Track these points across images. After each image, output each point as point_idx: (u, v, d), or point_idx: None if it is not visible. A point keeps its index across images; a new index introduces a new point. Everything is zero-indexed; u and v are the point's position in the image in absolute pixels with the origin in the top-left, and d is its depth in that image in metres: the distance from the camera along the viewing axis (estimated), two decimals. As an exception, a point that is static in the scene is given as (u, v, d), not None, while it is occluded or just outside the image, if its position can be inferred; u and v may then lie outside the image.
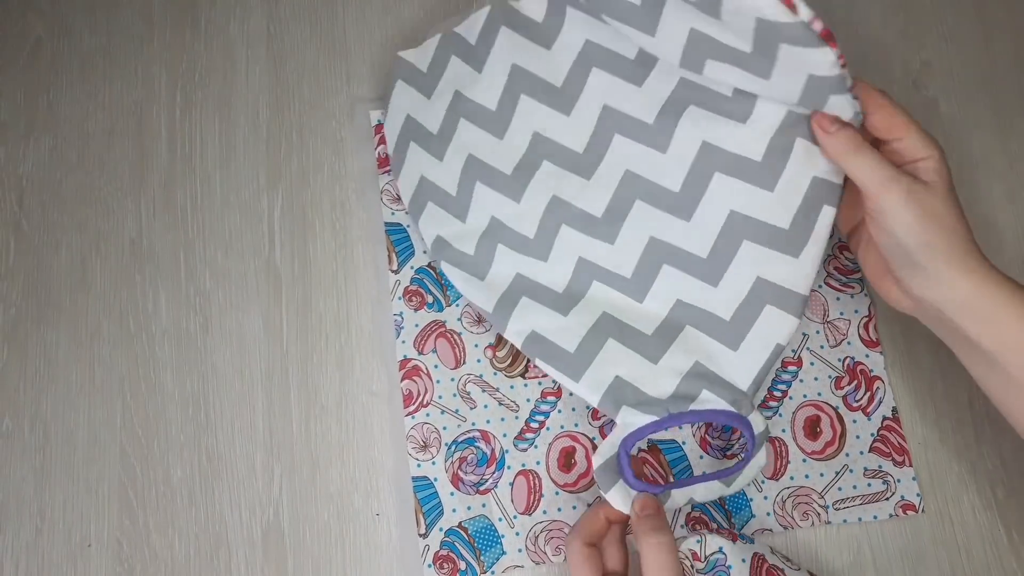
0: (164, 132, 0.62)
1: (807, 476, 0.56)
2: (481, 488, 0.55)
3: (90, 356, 0.58)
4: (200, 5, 0.65)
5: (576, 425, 0.56)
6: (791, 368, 0.57)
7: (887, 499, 0.55)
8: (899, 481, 0.55)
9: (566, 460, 0.56)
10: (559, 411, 0.56)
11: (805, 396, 0.57)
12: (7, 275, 0.59)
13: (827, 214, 0.50)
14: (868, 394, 0.57)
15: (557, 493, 0.55)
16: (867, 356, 0.58)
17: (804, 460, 0.56)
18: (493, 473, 0.55)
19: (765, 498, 0.55)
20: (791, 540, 0.55)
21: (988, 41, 0.65)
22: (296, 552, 0.55)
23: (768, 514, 0.55)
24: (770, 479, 0.55)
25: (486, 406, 0.57)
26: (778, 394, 0.57)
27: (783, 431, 0.56)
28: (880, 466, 0.56)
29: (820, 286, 0.59)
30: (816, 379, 0.57)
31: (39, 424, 0.57)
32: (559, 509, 0.55)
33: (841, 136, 0.48)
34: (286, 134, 0.63)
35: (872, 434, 0.56)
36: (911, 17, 0.66)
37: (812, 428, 0.56)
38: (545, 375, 0.56)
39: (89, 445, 0.57)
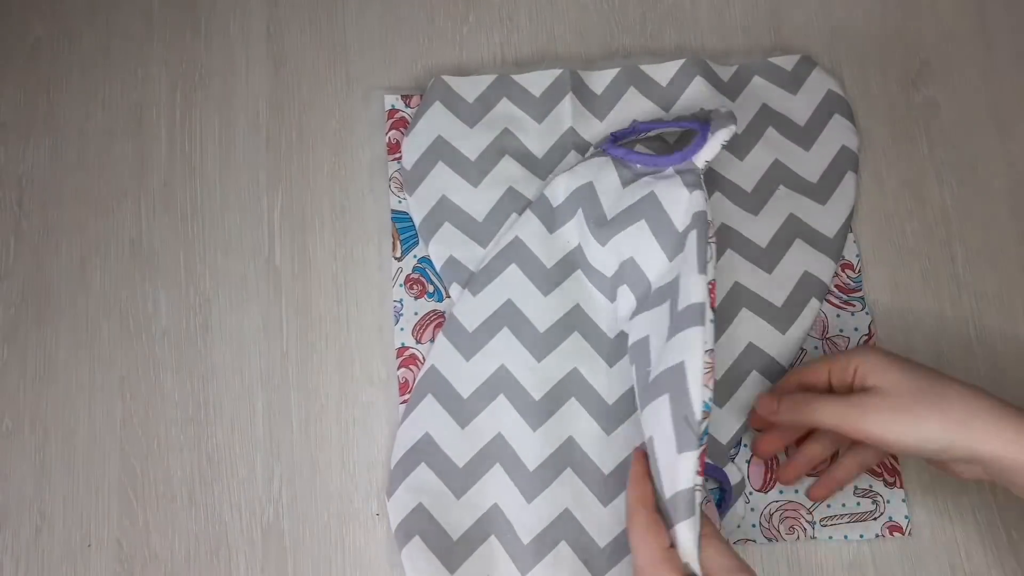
0: (164, 132, 0.62)
1: (796, 491, 0.55)
2: None
3: (90, 356, 0.58)
4: (200, 6, 0.65)
5: None
6: None
7: (875, 519, 0.55)
8: (888, 502, 0.55)
9: None
10: None
11: None
12: (7, 275, 0.59)
13: (813, 305, 0.58)
14: None
15: None
16: None
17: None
18: None
19: (752, 509, 0.55)
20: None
21: (987, 41, 0.65)
22: (296, 552, 0.55)
23: (753, 525, 0.55)
24: (758, 491, 0.56)
25: None
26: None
27: None
28: (871, 485, 0.56)
29: (821, 302, 0.59)
30: None
31: (39, 424, 0.57)
32: None
33: (786, 407, 0.51)
34: (286, 134, 0.63)
35: None
36: (911, 17, 0.66)
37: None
38: None
39: (89, 445, 0.57)
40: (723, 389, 0.56)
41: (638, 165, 0.57)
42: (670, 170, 0.55)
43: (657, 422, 0.48)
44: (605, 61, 0.64)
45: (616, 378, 0.56)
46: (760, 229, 0.59)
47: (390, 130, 0.62)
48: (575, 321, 0.57)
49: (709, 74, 0.62)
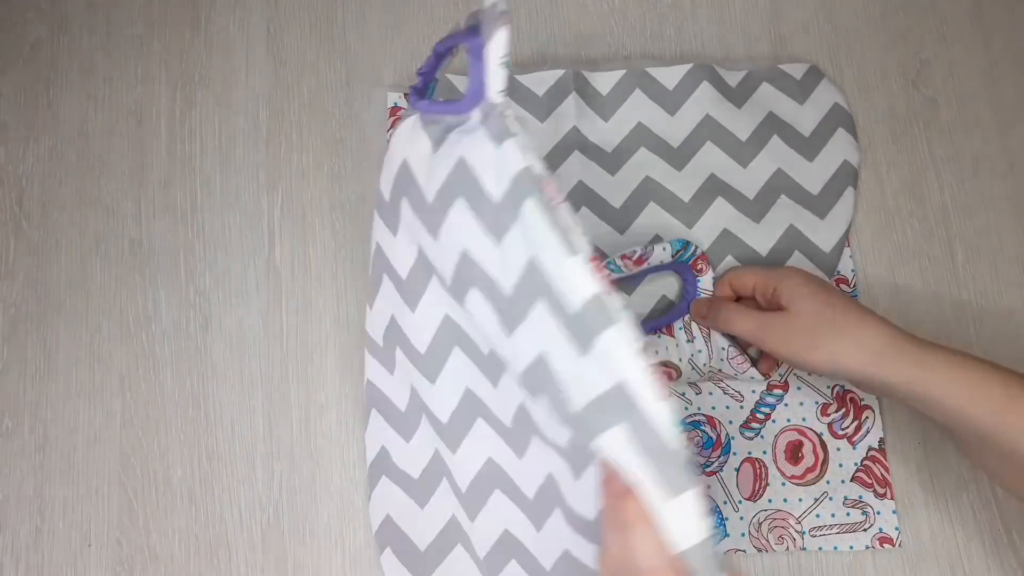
0: (164, 132, 0.62)
1: (785, 500, 0.56)
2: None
3: (90, 356, 0.58)
4: (200, 5, 0.65)
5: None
6: (776, 391, 0.57)
7: (865, 530, 0.55)
8: (879, 513, 0.55)
9: None
10: None
11: (789, 420, 0.57)
12: (7, 275, 0.59)
13: None
14: (856, 423, 0.57)
15: None
16: None
17: (783, 484, 0.56)
18: None
19: (741, 518, 0.55)
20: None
21: (987, 41, 0.65)
22: (296, 552, 0.55)
23: (743, 534, 0.55)
24: (747, 499, 0.56)
25: None
26: (761, 416, 0.57)
27: (764, 453, 0.56)
28: (861, 496, 0.56)
29: None
30: (801, 404, 0.57)
31: (39, 424, 0.57)
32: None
33: (711, 314, 0.55)
34: (286, 134, 0.63)
35: (856, 463, 0.56)
36: (911, 17, 0.66)
37: (794, 453, 0.56)
38: None
39: (89, 445, 0.57)
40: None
41: (447, 117, 0.41)
42: (475, 120, 0.39)
43: (617, 452, 0.37)
44: (608, 63, 0.64)
45: (503, 398, 0.46)
46: (761, 237, 0.59)
47: (392, 127, 0.62)
48: (451, 335, 0.47)
49: (716, 80, 0.62)
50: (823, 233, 0.60)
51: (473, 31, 0.38)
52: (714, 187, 0.60)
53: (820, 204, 0.60)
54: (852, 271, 0.60)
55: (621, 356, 0.35)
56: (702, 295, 0.56)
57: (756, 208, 0.60)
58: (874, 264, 0.61)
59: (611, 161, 0.61)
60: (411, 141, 0.42)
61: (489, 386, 0.47)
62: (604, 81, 0.63)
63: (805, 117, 0.62)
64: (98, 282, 0.60)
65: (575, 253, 0.36)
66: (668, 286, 0.59)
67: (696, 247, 0.56)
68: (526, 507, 0.49)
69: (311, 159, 0.62)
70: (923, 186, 0.62)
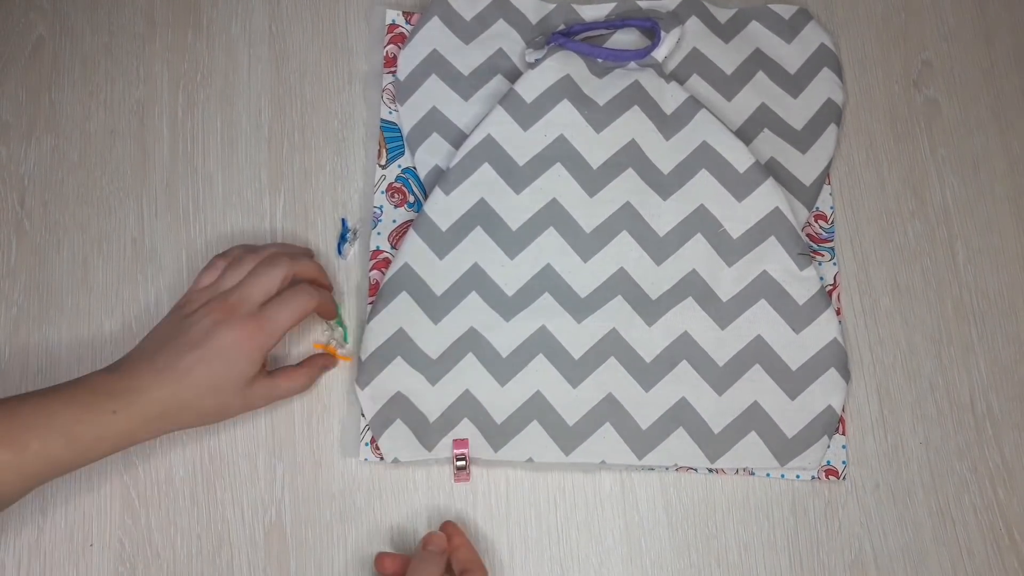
0: (166, 131, 0.62)
1: None
2: None
3: (92, 355, 0.58)
4: (202, 4, 0.65)
5: None
6: None
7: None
8: (828, 447, 0.57)
9: None
10: None
11: None
12: (9, 274, 0.59)
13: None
14: None
15: None
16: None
17: None
18: None
19: None
20: (791, 534, 0.55)
21: (989, 41, 0.65)
22: (298, 552, 0.55)
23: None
24: None
25: None
26: None
27: None
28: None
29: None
30: None
31: (41, 423, 0.57)
32: None
33: None
34: (288, 133, 0.62)
35: None
36: (911, 17, 0.66)
37: None
38: None
39: (91, 444, 0.56)
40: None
41: (599, 60, 0.61)
42: (633, 64, 0.61)
43: (764, 259, 0.58)
44: None
45: (589, 273, 0.59)
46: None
47: (388, 44, 0.63)
48: (550, 217, 0.59)
49: (705, 15, 0.63)
50: (804, 167, 0.61)
51: (652, 21, 0.61)
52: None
53: (802, 139, 0.61)
54: (831, 208, 0.61)
55: (773, 194, 0.58)
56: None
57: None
58: (876, 264, 0.61)
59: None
60: (569, 65, 0.60)
61: (578, 261, 0.59)
62: (594, 14, 0.64)
63: (791, 55, 0.63)
64: (100, 281, 0.60)
65: (739, 140, 0.59)
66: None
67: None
68: (568, 368, 0.57)
69: (314, 159, 0.62)
70: (925, 186, 0.62)
